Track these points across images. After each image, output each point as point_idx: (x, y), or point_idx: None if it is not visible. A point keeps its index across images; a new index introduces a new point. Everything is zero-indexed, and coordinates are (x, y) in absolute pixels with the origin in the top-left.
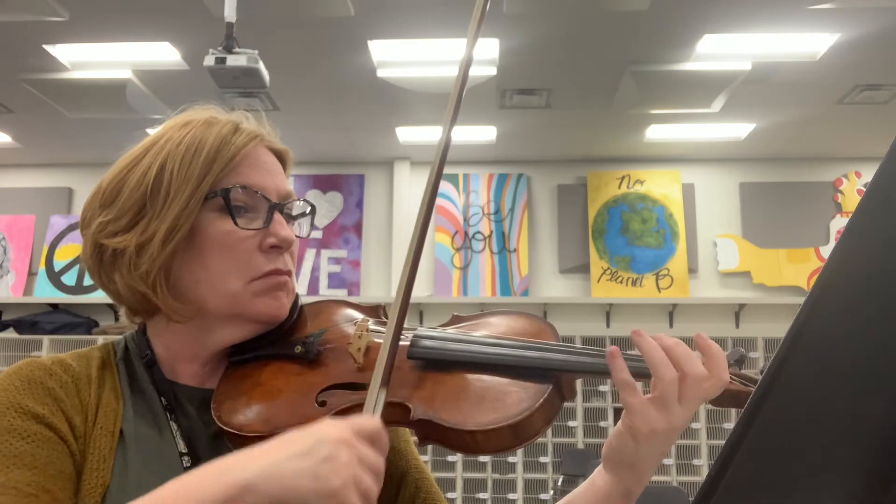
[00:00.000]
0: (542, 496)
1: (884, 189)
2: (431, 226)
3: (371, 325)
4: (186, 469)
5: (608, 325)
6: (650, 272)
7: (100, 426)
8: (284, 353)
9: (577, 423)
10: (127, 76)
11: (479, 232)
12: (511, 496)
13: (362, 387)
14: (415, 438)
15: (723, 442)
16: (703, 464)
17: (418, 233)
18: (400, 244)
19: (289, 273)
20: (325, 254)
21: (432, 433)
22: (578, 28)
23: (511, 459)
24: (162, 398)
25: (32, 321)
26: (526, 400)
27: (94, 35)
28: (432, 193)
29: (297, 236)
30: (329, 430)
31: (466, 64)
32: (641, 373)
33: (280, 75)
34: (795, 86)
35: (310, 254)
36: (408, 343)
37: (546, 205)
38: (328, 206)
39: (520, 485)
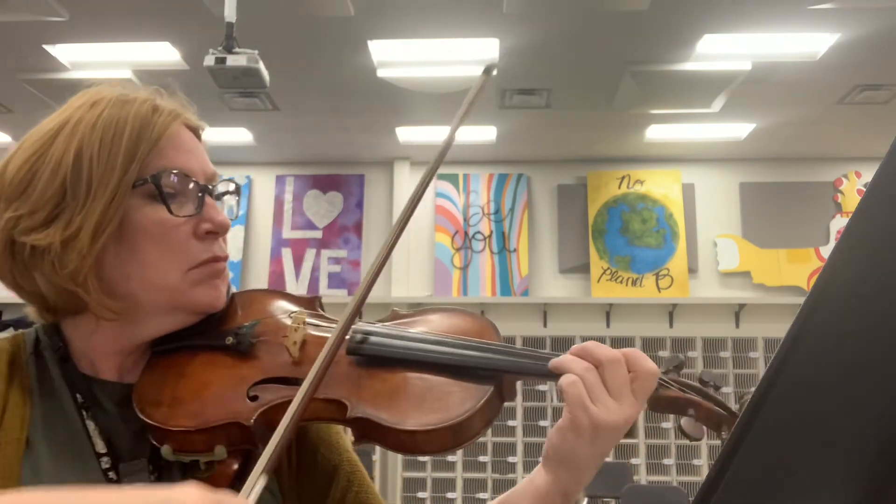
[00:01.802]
0: None
1: (884, 189)
2: (431, 225)
3: (307, 317)
4: (105, 470)
5: (608, 326)
6: (650, 272)
7: (4, 433)
8: (214, 345)
9: None
10: (127, 76)
11: (479, 232)
12: None
13: (297, 382)
14: (351, 438)
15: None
16: (703, 464)
17: (385, 251)
18: (400, 244)
19: (225, 259)
20: (325, 254)
21: (369, 432)
22: (578, 28)
23: (511, 459)
24: (77, 395)
25: (32, 321)
26: (468, 401)
27: (94, 35)
28: (408, 215)
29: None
30: (190, 500)
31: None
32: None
33: (280, 75)
34: (795, 86)
35: (310, 254)
36: (348, 337)
37: (546, 205)
38: (328, 206)
39: None
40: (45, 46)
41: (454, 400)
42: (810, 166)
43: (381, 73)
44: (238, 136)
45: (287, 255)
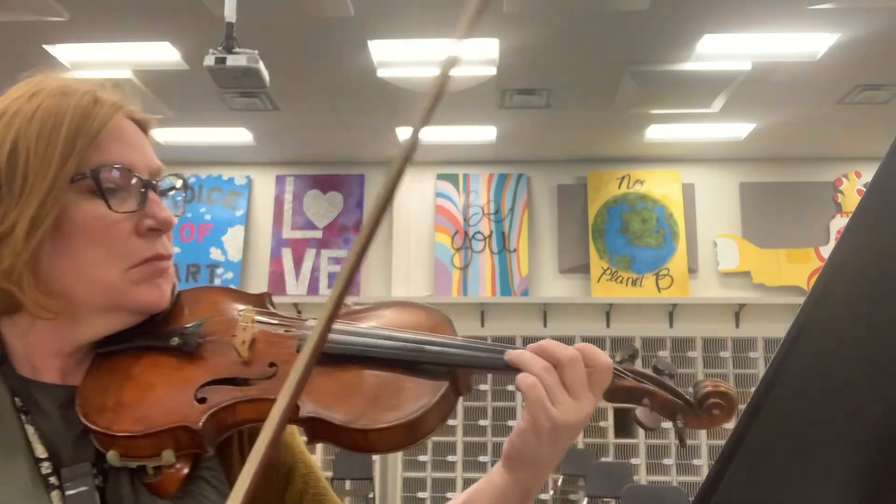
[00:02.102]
0: (542, 496)
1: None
2: (431, 225)
3: (256, 315)
4: (46, 476)
5: (608, 326)
6: (650, 272)
7: None
8: (159, 346)
9: None
10: (127, 76)
11: (479, 232)
12: None
13: (245, 382)
14: (304, 438)
15: (723, 442)
16: (703, 464)
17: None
18: (400, 244)
19: (169, 257)
20: (325, 254)
21: (323, 431)
22: (578, 28)
23: None
24: (16, 399)
25: None
26: (422, 397)
27: (94, 35)
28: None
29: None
30: None
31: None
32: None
33: (280, 75)
34: (795, 86)
35: (310, 254)
36: (298, 335)
37: (546, 205)
38: (328, 206)
39: None
40: (45, 46)
41: (408, 396)
42: (810, 166)
43: (381, 73)
44: (238, 136)
45: (287, 255)
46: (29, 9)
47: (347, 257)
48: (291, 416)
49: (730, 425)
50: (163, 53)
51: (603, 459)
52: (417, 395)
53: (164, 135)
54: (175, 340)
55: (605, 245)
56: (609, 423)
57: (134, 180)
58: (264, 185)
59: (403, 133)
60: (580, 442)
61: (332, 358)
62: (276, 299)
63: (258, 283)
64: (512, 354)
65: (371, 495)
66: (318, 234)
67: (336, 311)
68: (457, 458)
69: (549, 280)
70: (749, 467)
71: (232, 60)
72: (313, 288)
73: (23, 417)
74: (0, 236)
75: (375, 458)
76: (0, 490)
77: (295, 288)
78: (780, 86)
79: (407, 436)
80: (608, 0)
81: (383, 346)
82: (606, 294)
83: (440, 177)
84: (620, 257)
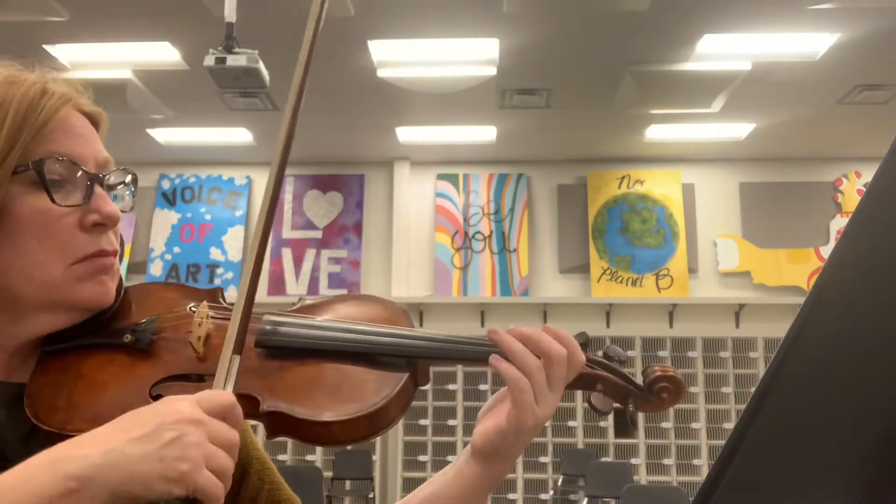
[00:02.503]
0: (542, 496)
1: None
2: (431, 225)
3: (210, 311)
4: None
5: (608, 325)
6: (650, 272)
7: None
8: (110, 343)
9: (576, 423)
10: (127, 76)
11: (479, 232)
12: (511, 496)
13: (201, 378)
14: (264, 433)
15: (723, 442)
16: (703, 464)
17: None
18: (400, 244)
19: (114, 253)
20: (325, 254)
21: (284, 426)
22: (578, 28)
23: None
24: None
25: None
26: (383, 388)
27: (94, 35)
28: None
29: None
30: (174, 408)
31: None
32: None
33: (280, 75)
34: (795, 86)
35: (310, 254)
36: (256, 329)
37: (546, 205)
38: (328, 206)
39: (520, 485)
40: (45, 46)
41: (369, 388)
42: (810, 166)
43: (381, 73)
44: (238, 136)
45: (287, 255)
46: (29, 9)
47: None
48: (251, 411)
49: (675, 407)
50: (163, 53)
51: (603, 459)
52: (378, 387)
53: (164, 135)
54: (127, 338)
55: (605, 245)
56: (609, 422)
57: (79, 173)
58: (264, 185)
59: (403, 133)
60: (580, 441)
61: (291, 352)
62: (276, 299)
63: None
64: (505, 345)
65: (371, 495)
66: (317, 234)
67: (261, 255)
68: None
69: (549, 280)
70: (749, 467)
71: (232, 60)
72: (313, 288)
73: None
74: None
75: (375, 457)
76: None
77: (295, 288)
78: (780, 86)
79: (369, 426)
80: (608, 0)
81: (342, 339)
82: (606, 294)
83: (440, 177)
84: (620, 257)
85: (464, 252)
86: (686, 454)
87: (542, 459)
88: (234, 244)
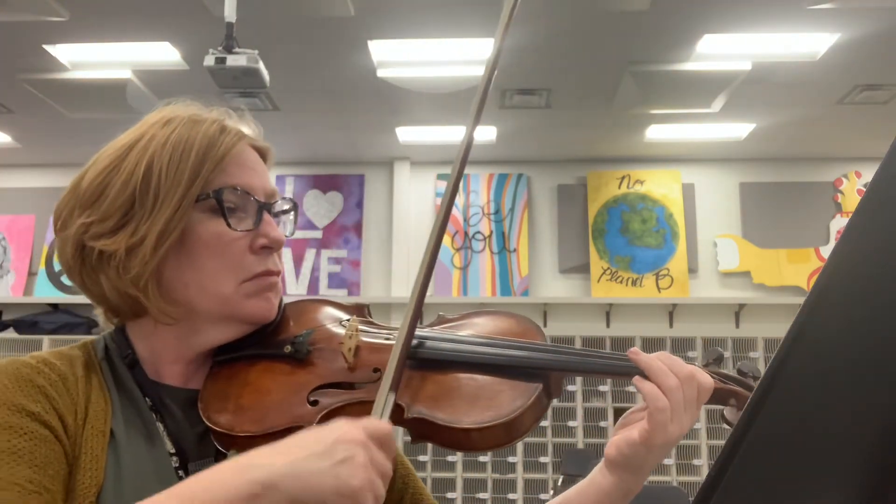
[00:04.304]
0: (542, 496)
1: (884, 189)
2: (431, 225)
3: (360, 325)
4: (176, 469)
5: (608, 326)
6: (650, 272)
7: (90, 425)
8: (272, 353)
9: (577, 423)
10: (127, 76)
11: (479, 232)
12: (511, 496)
13: (351, 386)
14: (407, 437)
15: (723, 442)
16: (703, 464)
17: (436, 234)
18: (400, 244)
19: (278, 273)
20: (325, 254)
21: (426, 431)
22: (578, 28)
23: (511, 459)
24: (147, 398)
25: (32, 321)
26: (518, 398)
27: (94, 35)
28: (451, 200)
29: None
30: (345, 431)
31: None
32: (615, 371)
33: (280, 75)
34: (795, 86)
35: (310, 254)
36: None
37: (546, 205)
38: (328, 206)
39: (520, 485)
40: (45, 46)
41: (505, 398)
42: (810, 166)
43: (381, 73)
44: None
45: (287, 255)
46: (29, 9)
47: (421, 263)
48: (397, 417)
49: None
50: (163, 53)
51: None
52: (513, 398)
53: None
54: (288, 348)
55: (605, 245)
56: (609, 422)
57: (251, 202)
58: None
59: (403, 133)
60: (580, 442)
61: (433, 364)
62: None
63: None
64: (644, 364)
65: None
66: (318, 234)
67: (419, 307)
68: (457, 458)
69: (549, 280)
70: (749, 467)
71: (232, 60)
72: (313, 288)
73: (154, 416)
74: (131, 247)
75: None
76: (151, 477)
77: (295, 288)
78: (780, 86)
79: (505, 434)
80: (608, 0)
81: (480, 352)
82: (606, 294)
83: (440, 177)
84: (620, 257)
85: (464, 252)
86: (686, 454)
87: (542, 459)
88: None
